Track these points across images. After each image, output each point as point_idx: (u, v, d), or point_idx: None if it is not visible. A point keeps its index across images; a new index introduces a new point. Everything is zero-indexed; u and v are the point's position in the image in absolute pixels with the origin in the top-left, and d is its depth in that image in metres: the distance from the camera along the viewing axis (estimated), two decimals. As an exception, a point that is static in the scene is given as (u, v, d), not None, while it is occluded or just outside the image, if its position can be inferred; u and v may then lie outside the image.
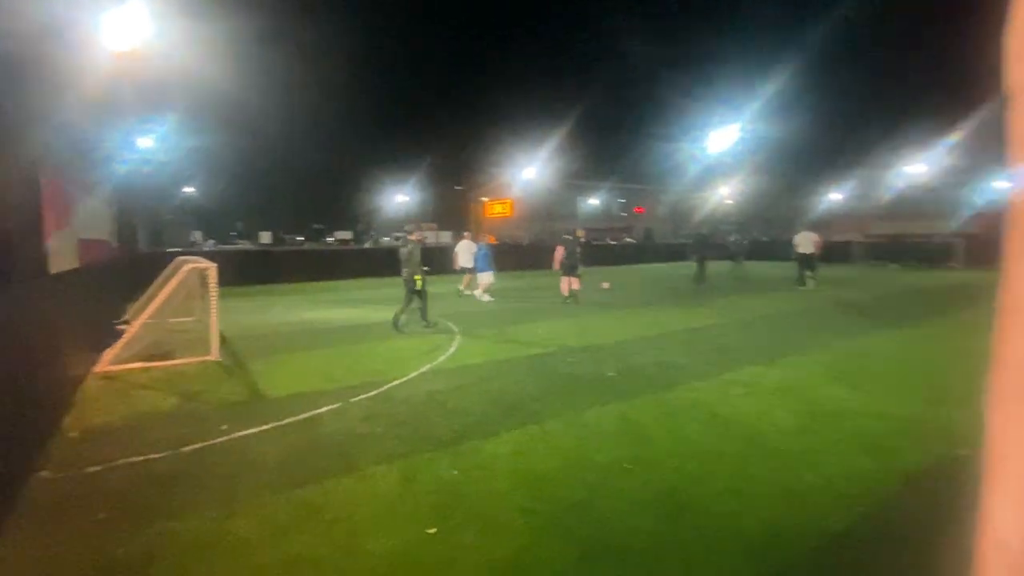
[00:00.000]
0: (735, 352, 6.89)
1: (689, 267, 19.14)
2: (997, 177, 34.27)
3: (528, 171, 45.26)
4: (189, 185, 51.05)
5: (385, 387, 5.42)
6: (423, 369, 6.13)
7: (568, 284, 12.02)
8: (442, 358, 6.68)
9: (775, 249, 28.98)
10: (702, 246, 17.67)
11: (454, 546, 2.67)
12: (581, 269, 12.20)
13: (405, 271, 8.85)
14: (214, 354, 6.70)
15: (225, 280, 13.95)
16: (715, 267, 18.59)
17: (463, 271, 13.83)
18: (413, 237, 9.08)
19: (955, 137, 34.66)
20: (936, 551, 2.59)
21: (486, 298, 12.75)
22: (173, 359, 6.59)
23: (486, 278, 12.94)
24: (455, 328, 8.85)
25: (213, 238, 51.01)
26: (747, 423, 4.32)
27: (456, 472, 3.49)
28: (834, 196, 43.63)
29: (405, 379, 5.72)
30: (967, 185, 35.68)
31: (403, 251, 8.96)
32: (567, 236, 12.22)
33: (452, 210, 62.03)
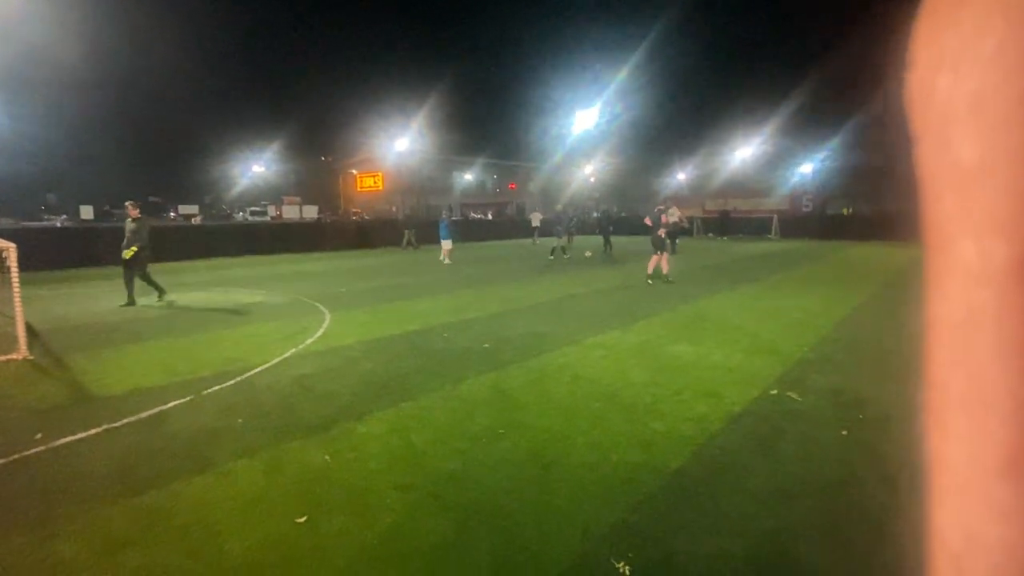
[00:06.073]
0: (597, 318, 7.46)
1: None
2: (803, 161, 40.71)
3: (400, 143, 43.72)
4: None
5: (244, 376, 5.00)
6: (287, 354, 5.75)
7: (655, 262, 10.95)
8: (309, 341, 6.32)
9: (633, 224, 31.63)
10: (607, 222, 20.13)
11: (325, 532, 2.60)
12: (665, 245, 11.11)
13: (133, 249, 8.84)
14: (22, 351, 5.62)
15: (34, 263, 11.71)
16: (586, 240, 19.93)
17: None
18: (135, 213, 8.98)
19: (773, 126, 40.41)
20: (746, 475, 3.10)
21: (447, 261, 15.64)
22: (-40, 362, 5.40)
23: (447, 245, 15.92)
24: (323, 308, 8.39)
25: (15, 213, 41.74)
26: (606, 382, 4.74)
27: (327, 457, 3.37)
28: (680, 175, 48.50)
29: (267, 366, 5.32)
30: (781, 167, 41.89)
31: (130, 226, 8.91)
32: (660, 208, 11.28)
33: (318, 183, 57.97)
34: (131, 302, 8.88)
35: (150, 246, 9.07)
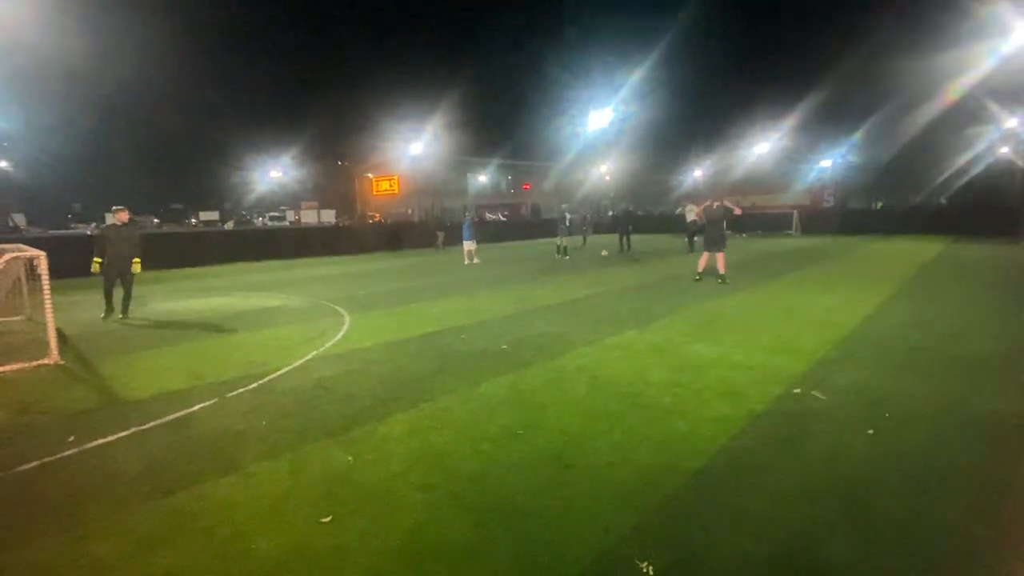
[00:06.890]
0: (615, 318, 7.41)
1: (573, 241, 20.21)
2: (823, 156, 40.00)
3: (415, 146, 44.00)
4: (2, 159, 42.91)
5: (266, 378, 5.08)
6: (308, 357, 5.82)
7: (722, 260, 10.51)
8: (329, 343, 6.39)
9: (648, 221, 31.43)
10: (626, 221, 19.97)
11: (349, 532, 2.63)
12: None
13: (118, 257, 8.13)
14: (53, 357, 5.78)
15: (63, 271, 12.01)
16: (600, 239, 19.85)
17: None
18: (124, 217, 8.44)
19: (791, 121, 39.77)
20: (770, 475, 3.06)
21: (475, 260, 16.00)
22: (-5, 367, 5.58)
23: (469, 246, 16.28)
24: (343, 311, 8.48)
25: (43, 222, 43.07)
26: (625, 382, 4.71)
27: (349, 458, 3.40)
28: (696, 173, 47.99)
29: (288, 368, 5.40)
30: (800, 162, 41.19)
31: (124, 232, 8.23)
32: (710, 204, 10.82)
33: (335, 187, 58.66)
34: (123, 308, 8.40)
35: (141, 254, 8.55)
